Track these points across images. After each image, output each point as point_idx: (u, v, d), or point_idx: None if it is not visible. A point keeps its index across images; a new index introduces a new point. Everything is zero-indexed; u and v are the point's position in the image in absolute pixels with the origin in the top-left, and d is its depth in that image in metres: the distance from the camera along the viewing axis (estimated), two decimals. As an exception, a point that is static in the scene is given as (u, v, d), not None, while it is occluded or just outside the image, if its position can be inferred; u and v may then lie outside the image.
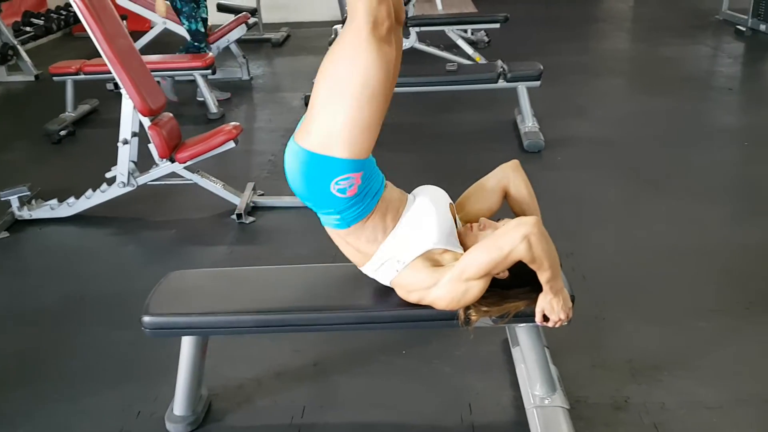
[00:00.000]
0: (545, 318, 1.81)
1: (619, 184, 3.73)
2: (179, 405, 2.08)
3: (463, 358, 2.36)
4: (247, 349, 2.44)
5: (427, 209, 1.83)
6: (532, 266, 1.71)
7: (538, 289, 1.78)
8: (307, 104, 5.16)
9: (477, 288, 1.74)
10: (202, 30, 5.30)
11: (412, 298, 1.83)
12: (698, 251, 2.99)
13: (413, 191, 1.92)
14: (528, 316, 1.83)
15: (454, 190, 2.05)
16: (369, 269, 1.86)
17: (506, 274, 1.80)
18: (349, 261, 1.91)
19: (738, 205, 3.47)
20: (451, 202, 1.95)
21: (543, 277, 1.73)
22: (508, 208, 2.04)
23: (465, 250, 1.82)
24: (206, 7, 5.40)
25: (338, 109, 1.67)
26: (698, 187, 3.64)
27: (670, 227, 3.22)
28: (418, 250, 1.79)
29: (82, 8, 3.11)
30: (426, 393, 2.23)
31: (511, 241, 1.66)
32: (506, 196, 2.00)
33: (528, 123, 4.39)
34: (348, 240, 1.83)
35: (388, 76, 1.68)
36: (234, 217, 3.45)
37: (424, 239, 1.79)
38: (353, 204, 1.75)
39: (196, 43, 5.30)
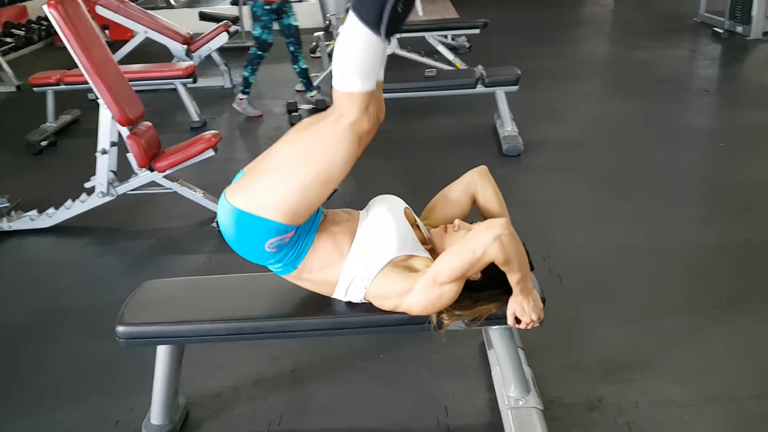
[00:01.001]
0: (517, 320, 1.83)
1: (596, 187, 3.78)
2: (156, 414, 2.09)
3: (440, 362, 2.38)
4: (225, 357, 2.45)
5: (382, 219, 1.86)
6: (504, 268, 1.73)
7: (509, 291, 1.80)
8: (289, 111, 5.21)
9: (451, 292, 1.76)
10: (270, 41, 5.17)
11: (387, 305, 1.84)
12: (672, 252, 3.03)
13: (367, 205, 1.95)
14: (501, 319, 1.85)
15: (434, 194, 2.09)
16: (339, 294, 1.88)
17: (479, 275, 1.82)
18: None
19: (712, 206, 3.51)
20: (407, 206, 1.98)
21: (513, 278, 1.76)
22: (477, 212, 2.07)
23: (439, 252, 1.84)
24: (294, 14, 5.24)
25: (289, 179, 1.72)
26: (673, 189, 3.69)
27: (645, 229, 3.26)
28: (380, 263, 1.80)
29: (58, 19, 3.12)
30: (403, 397, 2.25)
31: (484, 243, 1.69)
32: (474, 201, 2.02)
33: (507, 127, 4.43)
34: (303, 277, 1.88)
35: (348, 167, 1.73)
36: (214, 225, 3.45)
37: (384, 251, 1.81)
38: (288, 250, 1.81)
39: (259, 52, 5.18)
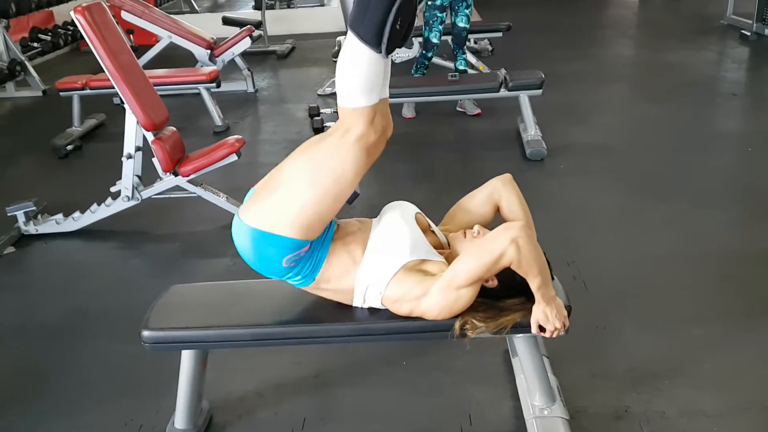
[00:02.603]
0: (541, 328, 1.81)
1: (621, 192, 3.73)
2: (180, 418, 2.09)
3: (464, 369, 2.36)
4: (249, 361, 2.45)
5: (393, 225, 1.86)
6: (521, 272, 1.71)
7: (533, 299, 1.78)
8: (310, 116, 5.21)
9: (467, 296, 1.75)
10: (434, 41, 4.96)
11: (403, 310, 1.83)
12: (700, 258, 2.98)
13: (380, 212, 1.96)
14: (525, 327, 1.83)
15: (456, 198, 2.08)
16: (358, 302, 1.89)
17: (495, 282, 1.81)
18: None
19: (740, 211, 3.45)
20: (419, 211, 1.98)
21: (534, 284, 1.74)
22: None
23: (458, 257, 1.83)
24: (467, 15, 4.94)
25: (301, 195, 1.74)
26: (701, 194, 3.63)
27: (672, 234, 3.21)
28: (393, 268, 1.80)
29: (85, 25, 3.15)
30: (426, 404, 2.23)
31: (500, 245, 1.68)
32: (498, 209, 2.00)
33: (530, 131, 4.40)
34: (322, 287, 1.89)
35: (358, 180, 1.75)
36: (237, 229, 3.47)
37: (397, 256, 1.81)
38: (305, 264, 1.82)
39: (423, 51, 5.06)
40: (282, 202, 1.76)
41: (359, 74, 1.65)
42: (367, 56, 1.63)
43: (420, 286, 1.78)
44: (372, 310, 1.89)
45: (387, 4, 1.58)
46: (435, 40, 4.98)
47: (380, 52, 1.62)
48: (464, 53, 5.18)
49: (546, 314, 1.78)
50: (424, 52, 5.07)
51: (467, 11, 4.94)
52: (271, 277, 1.89)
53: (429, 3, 4.84)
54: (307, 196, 1.73)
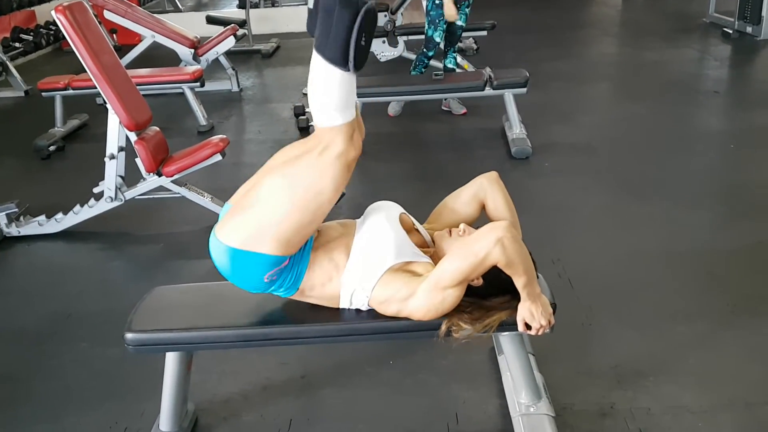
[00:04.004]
0: (527, 326, 1.81)
1: (605, 190, 3.75)
2: (165, 421, 2.08)
3: (450, 368, 2.36)
4: (234, 363, 2.44)
5: (377, 228, 1.85)
6: (508, 271, 1.72)
7: (518, 297, 1.79)
8: (296, 115, 5.19)
9: (453, 296, 1.75)
10: (437, 40, 4.89)
11: (390, 311, 1.83)
12: (684, 255, 3.00)
13: (364, 213, 1.95)
14: (511, 325, 1.83)
15: (442, 197, 2.08)
16: (344, 305, 1.88)
17: (480, 281, 1.81)
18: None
19: (723, 208, 3.48)
20: (403, 212, 1.97)
21: (519, 282, 1.74)
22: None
23: (441, 255, 1.84)
24: (466, 14, 4.94)
25: (280, 212, 1.71)
26: (684, 192, 3.66)
27: (656, 232, 3.23)
28: (378, 272, 1.80)
29: (66, 25, 3.12)
30: (413, 403, 2.23)
31: (486, 245, 1.67)
32: (483, 208, 2.00)
33: (515, 130, 4.41)
34: (307, 295, 1.88)
35: (337, 195, 1.74)
36: (222, 229, 3.45)
37: (381, 260, 1.80)
38: (286, 276, 1.80)
39: (425, 50, 5.00)
40: (260, 219, 1.73)
41: (332, 94, 1.64)
42: (338, 76, 1.63)
43: (407, 287, 1.77)
44: (359, 310, 1.88)
45: (349, 23, 1.58)
46: (438, 39, 4.95)
47: (349, 70, 1.62)
48: (455, 51, 5.20)
49: (531, 312, 1.78)
50: (425, 50, 5.03)
51: (467, 10, 4.95)
52: (253, 292, 1.87)
53: (437, 2, 4.80)
54: (286, 214, 1.70)
